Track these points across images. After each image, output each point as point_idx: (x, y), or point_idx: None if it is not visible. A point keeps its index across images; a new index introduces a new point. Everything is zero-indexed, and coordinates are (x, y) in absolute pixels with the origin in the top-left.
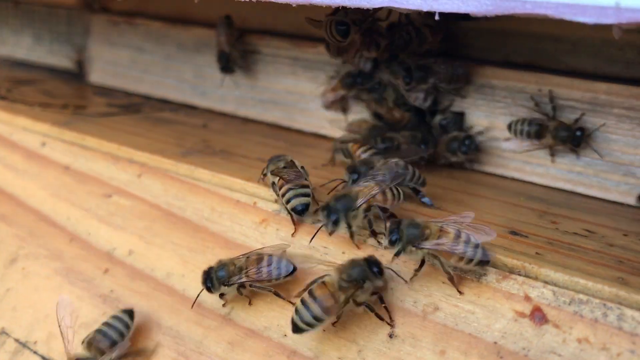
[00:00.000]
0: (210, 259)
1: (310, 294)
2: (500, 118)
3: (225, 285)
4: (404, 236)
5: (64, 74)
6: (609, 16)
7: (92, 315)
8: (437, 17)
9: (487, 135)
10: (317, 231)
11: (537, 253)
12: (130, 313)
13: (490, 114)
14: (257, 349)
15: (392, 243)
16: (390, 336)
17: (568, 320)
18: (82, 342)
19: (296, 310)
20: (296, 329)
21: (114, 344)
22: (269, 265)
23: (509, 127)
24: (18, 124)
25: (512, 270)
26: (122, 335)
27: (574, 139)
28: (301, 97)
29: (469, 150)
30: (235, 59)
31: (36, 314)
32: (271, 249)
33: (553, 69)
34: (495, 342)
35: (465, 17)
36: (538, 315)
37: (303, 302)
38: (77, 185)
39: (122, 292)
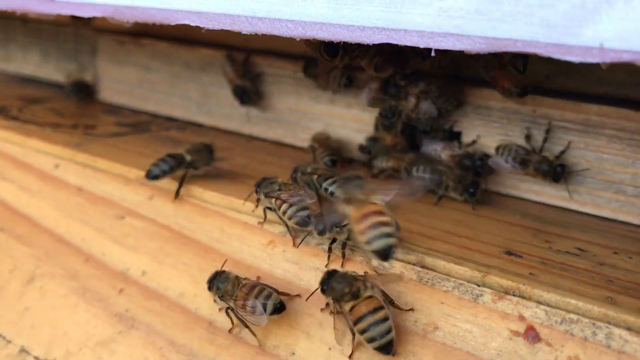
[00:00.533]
0: None
1: (362, 319)
2: (497, 138)
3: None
4: (328, 223)
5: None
6: (594, 56)
7: (108, 334)
8: (433, 54)
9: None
10: (304, 238)
11: (530, 273)
12: None
13: (487, 133)
14: None
15: (320, 233)
16: (392, 354)
17: (560, 339)
18: None
19: (371, 339)
20: (388, 347)
21: None
22: (253, 308)
23: (497, 149)
24: (31, 145)
25: (507, 291)
26: None
27: (554, 174)
28: (304, 115)
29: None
30: (249, 89)
31: (54, 332)
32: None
33: (546, 89)
34: None
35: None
36: (531, 334)
37: (369, 328)
38: (91, 206)
39: (136, 311)
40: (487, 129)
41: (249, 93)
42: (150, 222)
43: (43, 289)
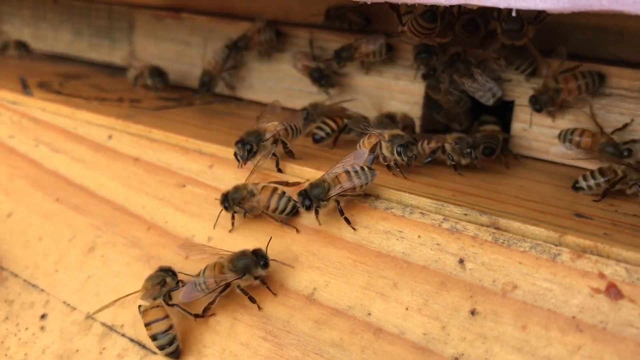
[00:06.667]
0: (289, 243)
1: None
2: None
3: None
4: (312, 198)
5: (105, 68)
6: None
7: None
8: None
9: (535, 123)
10: None
11: (605, 234)
12: None
13: None
14: (343, 326)
15: (308, 208)
16: (472, 313)
17: None
18: None
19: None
20: None
21: None
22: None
23: (559, 135)
24: (81, 117)
25: (584, 250)
26: None
27: (620, 156)
28: (349, 88)
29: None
30: (328, 74)
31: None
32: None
33: (599, 59)
34: (573, 317)
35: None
36: (613, 291)
37: None
38: (149, 176)
39: None
40: None
41: (326, 75)
42: (212, 190)
43: (105, 257)
